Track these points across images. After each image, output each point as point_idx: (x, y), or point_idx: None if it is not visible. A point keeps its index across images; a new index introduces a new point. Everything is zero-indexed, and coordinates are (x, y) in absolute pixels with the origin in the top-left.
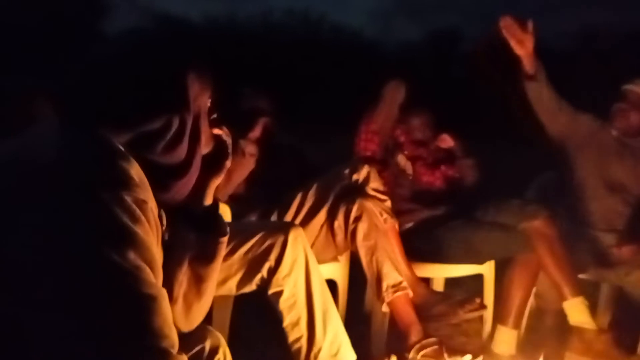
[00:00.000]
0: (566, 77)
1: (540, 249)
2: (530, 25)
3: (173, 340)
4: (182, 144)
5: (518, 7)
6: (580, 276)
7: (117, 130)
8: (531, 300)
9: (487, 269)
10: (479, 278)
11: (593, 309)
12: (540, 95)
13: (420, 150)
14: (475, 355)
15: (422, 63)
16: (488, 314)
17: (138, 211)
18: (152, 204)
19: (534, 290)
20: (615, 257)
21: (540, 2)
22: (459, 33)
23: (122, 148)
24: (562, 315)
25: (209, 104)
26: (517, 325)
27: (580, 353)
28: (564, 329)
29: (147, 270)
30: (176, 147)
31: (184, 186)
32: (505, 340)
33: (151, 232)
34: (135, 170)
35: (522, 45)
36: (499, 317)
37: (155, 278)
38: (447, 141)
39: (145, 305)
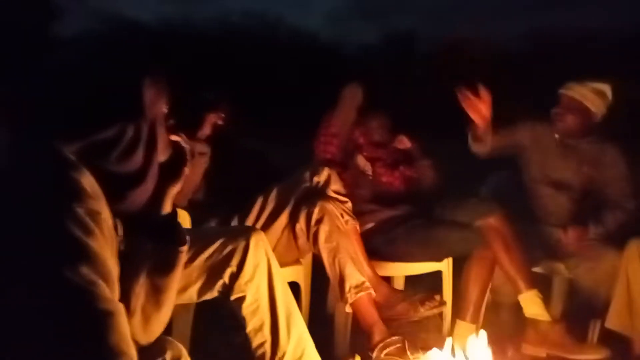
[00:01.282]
0: (516, 78)
1: (495, 245)
2: (484, 93)
3: (131, 356)
4: (137, 152)
5: (470, 10)
6: (534, 270)
7: (68, 138)
8: (488, 295)
9: (445, 266)
10: (437, 275)
11: (546, 301)
12: (483, 150)
13: (379, 151)
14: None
15: (379, 65)
16: (447, 310)
17: (91, 223)
18: (105, 215)
19: (490, 285)
20: (562, 245)
21: (491, 5)
22: (415, 35)
23: (72, 157)
24: (517, 309)
25: (165, 110)
26: (475, 320)
27: (536, 344)
28: (519, 322)
29: (102, 285)
30: (131, 155)
31: (141, 195)
32: (465, 334)
33: (105, 244)
34: (87, 181)
35: (478, 114)
36: (458, 313)
37: (111, 292)
38: (404, 142)
39: (100, 321)
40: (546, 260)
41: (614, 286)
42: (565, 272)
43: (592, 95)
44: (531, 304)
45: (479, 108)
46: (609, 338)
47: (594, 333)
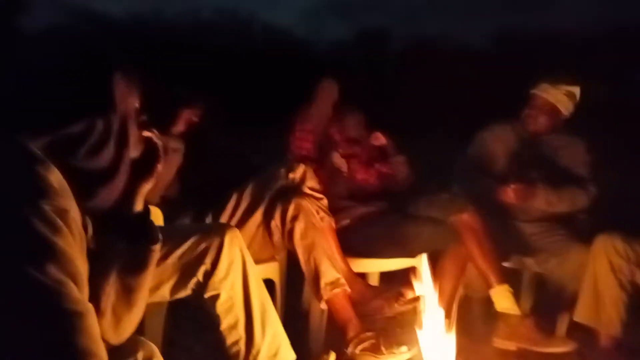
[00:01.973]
0: (482, 76)
1: (468, 240)
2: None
3: (101, 357)
4: (107, 148)
5: (442, 9)
6: (505, 264)
7: (35, 134)
8: (460, 289)
9: (419, 262)
10: (412, 271)
11: (516, 295)
12: None
13: (355, 148)
14: (410, 346)
15: (352, 62)
16: (421, 305)
17: (59, 221)
18: (74, 213)
19: (463, 280)
20: (504, 200)
21: (460, 4)
22: (387, 33)
23: (39, 153)
24: (488, 303)
25: (137, 105)
26: (447, 315)
27: (506, 338)
28: (490, 316)
29: (71, 284)
30: (101, 151)
31: (111, 192)
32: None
33: (74, 242)
34: (55, 177)
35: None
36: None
37: (80, 292)
38: (379, 139)
39: (69, 322)
40: (516, 255)
41: (581, 280)
42: (534, 267)
43: (565, 98)
44: (502, 298)
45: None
46: (576, 331)
47: (562, 326)
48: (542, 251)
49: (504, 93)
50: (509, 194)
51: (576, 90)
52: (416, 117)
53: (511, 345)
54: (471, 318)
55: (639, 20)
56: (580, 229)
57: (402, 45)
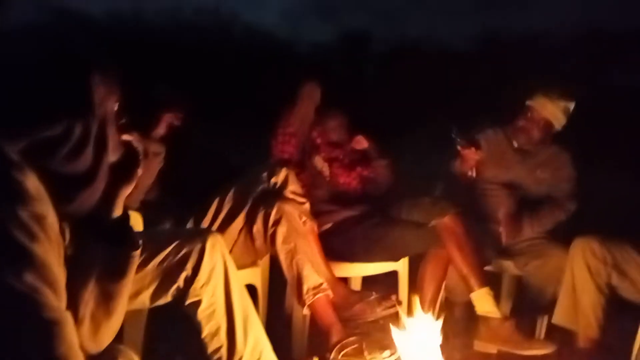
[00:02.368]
0: (465, 78)
1: (449, 244)
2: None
3: None
4: (86, 151)
5: (424, 10)
6: (486, 269)
7: (11, 137)
8: (442, 293)
9: (401, 266)
10: (394, 275)
11: (496, 298)
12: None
13: (337, 151)
14: (393, 350)
15: (335, 64)
16: (403, 309)
17: (35, 227)
18: (52, 218)
19: (444, 283)
20: (500, 238)
21: (442, 6)
22: (370, 35)
23: (15, 157)
24: (469, 307)
25: (116, 108)
26: None
27: (487, 340)
28: (471, 319)
29: (47, 292)
30: (79, 154)
31: (90, 197)
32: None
33: (51, 249)
34: (32, 182)
35: (471, 162)
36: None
37: (57, 300)
38: (361, 142)
39: (46, 331)
40: (497, 258)
41: (560, 283)
42: (514, 270)
43: (560, 114)
44: (483, 301)
45: (474, 155)
46: (555, 332)
47: (541, 328)
48: (522, 254)
49: (486, 95)
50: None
51: (571, 105)
52: (399, 119)
53: (492, 348)
54: (452, 321)
55: (616, 23)
56: (559, 233)
57: (384, 47)
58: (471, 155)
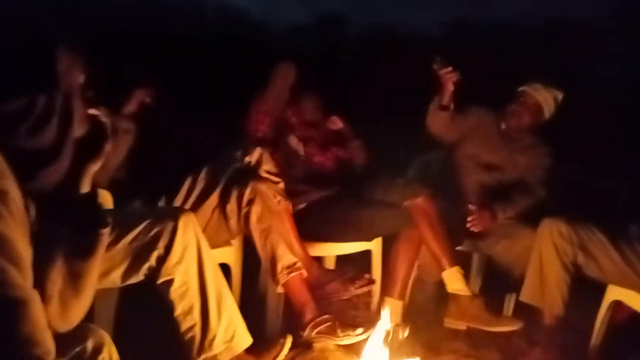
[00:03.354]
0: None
1: (422, 224)
2: (451, 69)
3: (47, 346)
4: (50, 126)
5: None
6: (457, 248)
7: None
8: (414, 272)
9: (375, 245)
10: (367, 254)
11: (466, 277)
12: (444, 122)
13: (311, 131)
14: (366, 328)
15: (310, 46)
16: (376, 288)
17: None
18: (15, 194)
19: (416, 262)
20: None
21: None
22: (344, 18)
23: None
24: (441, 285)
25: (81, 81)
26: (402, 296)
27: (457, 318)
28: (442, 297)
29: (12, 270)
30: (43, 129)
31: (55, 173)
32: (392, 310)
33: (15, 226)
34: None
35: (447, 82)
36: (386, 290)
37: (22, 278)
38: (336, 123)
39: (12, 310)
40: (467, 238)
41: (528, 262)
42: (484, 250)
43: (552, 102)
44: (453, 280)
45: (449, 77)
46: (521, 310)
47: (509, 306)
48: (492, 235)
49: (459, 81)
50: (474, 225)
51: (561, 96)
52: (371, 102)
53: (461, 325)
54: (425, 300)
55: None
56: (527, 213)
57: (358, 31)
58: (449, 76)
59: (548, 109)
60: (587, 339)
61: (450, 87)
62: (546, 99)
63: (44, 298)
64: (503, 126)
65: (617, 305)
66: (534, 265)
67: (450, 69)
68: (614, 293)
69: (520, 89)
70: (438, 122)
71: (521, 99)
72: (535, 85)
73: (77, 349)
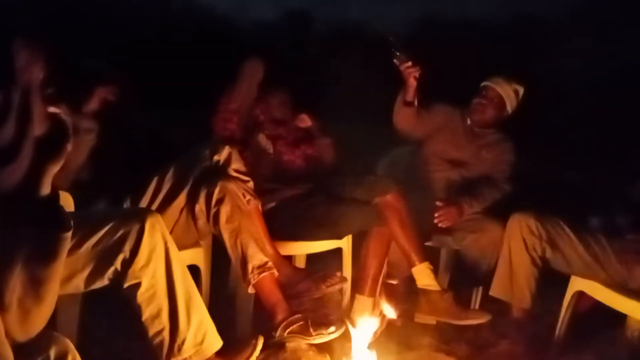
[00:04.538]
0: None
1: (392, 221)
2: (412, 64)
3: (5, 357)
4: (7, 123)
5: None
6: (427, 244)
7: None
8: (385, 268)
9: (345, 243)
10: (338, 252)
11: (435, 272)
12: (409, 118)
13: (280, 129)
14: (338, 327)
15: (277, 42)
16: (347, 286)
17: None
18: None
19: (386, 259)
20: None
21: None
22: (310, 15)
23: None
24: (411, 281)
25: (41, 77)
26: (373, 293)
27: (427, 312)
28: (412, 293)
29: None
30: (0, 126)
31: (13, 174)
32: (363, 308)
33: None
34: None
35: (409, 77)
36: (357, 287)
37: None
38: (305, 121)
39: None
40: (436, 234)
41: (494, 256)
42: (452, 245)
43: (513, 95)
44: (423, 275)
45: (414, 70)
46: (489, 303)
47: (476, 300)
48: (459, 230)
49: (425, 78)
50: (441, 221)
51: (521, 90)
52: (339, 99)
53: (431, 320)
54: (395, 296)
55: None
56: (494, 208)
57: (326, 28)
58: (411, 71)
59: (510, 103)
60: (552, 329)
61: (412, 83)
62: (507, 92)
63: (2, 306)
64: (468, 122)
65: (580, 295)
66: (503, 261)
67: (410, 63)
68: (577, 284)
69: (483, 84)
70: (403, 118)
71: (483, 93)
72: (496, 79)
73: (39, 359)
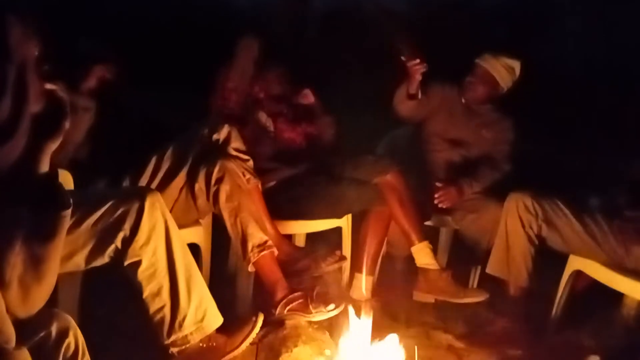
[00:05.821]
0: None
1: (391, 200)
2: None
3: (7, 334)
4: (3, 101)
5: None
6: (426, 223)
7: None
8: (384, 247)
9: (345, 222)
10: (337, 231)
11: (434, 251)
12: (412, 109)
13: (280, 106)
14: (337, 304)
15: (274, 19)
16: (346, 264)
17: None
18: None
19: (386, 238)
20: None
21: None
22: None
23: None
24: (410, 260)
25: (36, 53)
26: (371, 272)
27: (426, 291)
28: (411, 272)
29: None
30: None
31: (10, 151)
32: (362, 286)
33: None
34: None
35: (416, 73)
36: (356, 266)
37: None
38: (308, 97)
39: None
40: (435, 213)
41: (493, 235)
42: (452, 224)
43: (504, 71)
44: (422, 254)
45: (420, 66)
46: (486, 282)
47: (474, 278)
48: (459, 209)
49: (425, 53)
50: (441, 201)
51: (516, 65)
52: (340, 77)
53: (430, 298)
54: (394, 275)
55: None
56: (493, 188)
57: (325, 4)
58: (417, 67)
59: (502, 80)
60: (549, 307)
61: (418, 78)
62: (497, 68)
63: (3, 284)
64: (463, 100)
65: (578, 274)
66: (500, 239)
67: (418, 60)
68: (575, 263)
69: (476, 61)
70: (406, 109)
71: (475, 71)
72: (485, 56)
73: (41, 335)
